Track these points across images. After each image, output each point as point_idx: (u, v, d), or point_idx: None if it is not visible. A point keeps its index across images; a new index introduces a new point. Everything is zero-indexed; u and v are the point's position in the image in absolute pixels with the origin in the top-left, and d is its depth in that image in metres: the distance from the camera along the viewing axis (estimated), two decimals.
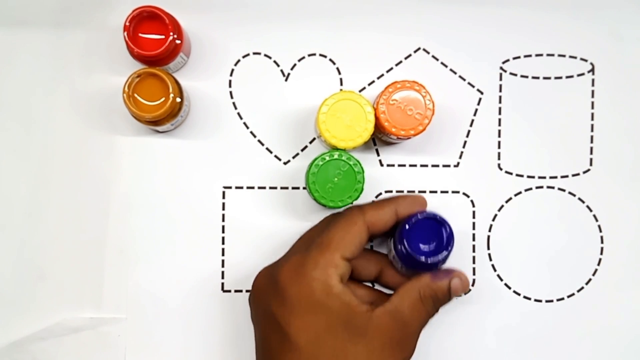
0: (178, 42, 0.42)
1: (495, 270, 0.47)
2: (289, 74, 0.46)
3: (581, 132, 0.47)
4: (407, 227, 0.40)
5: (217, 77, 0.46)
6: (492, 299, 0.47)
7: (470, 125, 0.47)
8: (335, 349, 0.37)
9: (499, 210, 0.47)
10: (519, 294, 0.47)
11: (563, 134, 0.47)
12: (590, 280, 0.47)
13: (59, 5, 0.45)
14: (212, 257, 0.46)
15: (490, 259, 0.47)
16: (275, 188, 0.46)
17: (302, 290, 0.38)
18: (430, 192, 0.47)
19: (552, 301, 0.47)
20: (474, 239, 0.47)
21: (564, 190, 0.47)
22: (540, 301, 0.47)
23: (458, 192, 0.47)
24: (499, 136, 0.47)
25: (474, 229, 0.47)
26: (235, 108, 0.46)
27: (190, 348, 0.46)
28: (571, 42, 0.47)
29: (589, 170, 0.47)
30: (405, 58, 0.46)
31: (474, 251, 0.47)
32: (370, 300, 0.42)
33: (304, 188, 0.46)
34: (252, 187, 0.46)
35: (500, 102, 0.47)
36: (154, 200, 0.46)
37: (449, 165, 0.47)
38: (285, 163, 0.46)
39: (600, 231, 0.47)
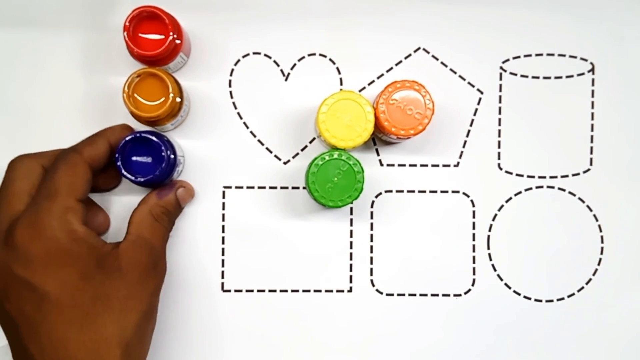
0: (178, 42, 0.43)
1: (495, 270, 0.47)
2: (289, 74, 0.46)
3: (581, 132, 0.47)
4: (117, 154, 0.41)
5: (217, 77, 0.46)
6: (492, 299, 0.47)
7: (470, 125, 0.47)
8: (96, 291, 0.37)
9: (499, 210, 0.47)
10: (519, 294, 0.47)
11: (563, 134, 0.47)
12: (590, 280, 0.47)
13: (59, 5, 0.45)
14: (212, 257, 0.46)
15: (490, 259, 0.47)
16: (275, 188, 0.46)
17: (46, 243, 0.36)
18: (430, 192, 0.47)
19: (552, 301, 0.47)
20: (474, 239, 0.47)
21: (564, 190, 0.47)
22: (540, 301, 0.47)
23: (458, 192, 0.47)
24: (499, 136, 0.47)
25: (474, 229, 0.47)
26: (235, 108, 0.46)
27: (191, 348, 0.46)
28: (571, 42, 0.47)
29: (589, 170, 0.47)
30: (405, 58, 0.46)
31: (474, 251, 0.47)
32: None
33: (304, 188, 0.46)
34: (252, 187, 0.46)
35: (500, 102, 0.47)
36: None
37: (449, 165, 0.47)
38: (285, 163, 0.46)
39: (600, 231, 0.47)
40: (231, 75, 0.46)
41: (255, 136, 0.46)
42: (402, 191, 0.47)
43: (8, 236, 0.37)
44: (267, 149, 0.46)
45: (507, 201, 0.47)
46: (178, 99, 0.42)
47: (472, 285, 0.47)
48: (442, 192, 0.47)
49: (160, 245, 0.41)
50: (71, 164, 0.39)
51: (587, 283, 0.47)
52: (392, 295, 0.47)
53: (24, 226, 0.37)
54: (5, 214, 0.38)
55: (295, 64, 0.46)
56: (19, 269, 0.37)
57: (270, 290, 0.46)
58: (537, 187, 0.47)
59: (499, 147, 0.47)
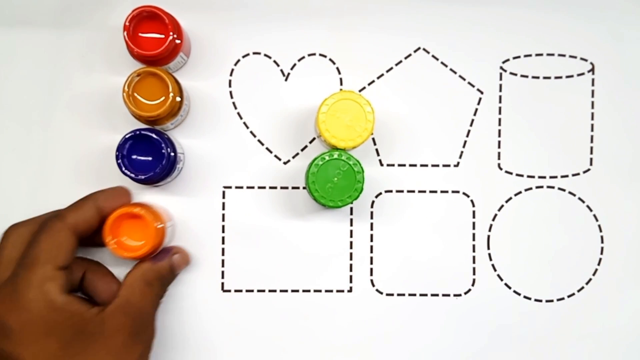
0: (178, 42, 0.43)
1: (495, 270, 0.47)
2: (289, 74, 0.46)
3: (581, 132, 0.47)
4: (117, 152, 0.41)
5: (217, 77, 0.46)
6: (492, 299, 0.47)
7: (470, 125, 0.47)
8: (78, 359, 0.37)
9: (499, 210, 0.47)
10: (519, 294, 0.47)
11: (563, 133, 0.47)
12: (590, 280, 0.47)
13: (59, 5, 0.45)
14: (212, 257, 0.46)
15: (490, 259, 0.47)
16: (275, 188, 0.46)
17: (23, 315, 0.36)
18: (430, 192, 0.47)
19: (552, 301, 0.47)
20: (474, 239, 0.47)
21: (564, 190, 0.47)
22: (540, 301, 0.47)
23: (458, 192, 0.47)
24: (499, 136, 0.47)
25: (474, 229, 0.47)
26: (235, 108, 0.46)
27: (190, 348, 0.46)
28: (571, 42, 0.47)
29: (589, 170, 0.47)
30: (405, 58, 0.46)
31: (474, 251, 0.47)
32: (101, 301, 0.42)
33: (304, 188, 0.46)
34: (252, 187, 0.46)
35: (500, 102, 0.47)
36: (154, 200, 0.45)
37: (449, 165, 0.47)
38: (285, 163, 0.46)
39: (600, 231, 0.47)
40: (231, 75, 0.46)
41: (255, 136, 0.46)
42: (402, 191, 0.47)
43: None
44: (267, 149, 0.46)
45: (507, 201, 0.47)
46: (178, 98, 0.42)
47: (472, 285, 0.47)
48: (442, 192, 0.47)
49: (149, 311, 0.41)
50: (52, 232, 0.38)
51: (587, 283, 0.47)
52: (392, 295, 0.47)
53: (1, 298, 0.37)
54: None
55: (295, 64, 0.46)
56: None
57: (270, 290, 0.46)
58: (537, 187, 0.47)
59: (499, 147, 0.47)
